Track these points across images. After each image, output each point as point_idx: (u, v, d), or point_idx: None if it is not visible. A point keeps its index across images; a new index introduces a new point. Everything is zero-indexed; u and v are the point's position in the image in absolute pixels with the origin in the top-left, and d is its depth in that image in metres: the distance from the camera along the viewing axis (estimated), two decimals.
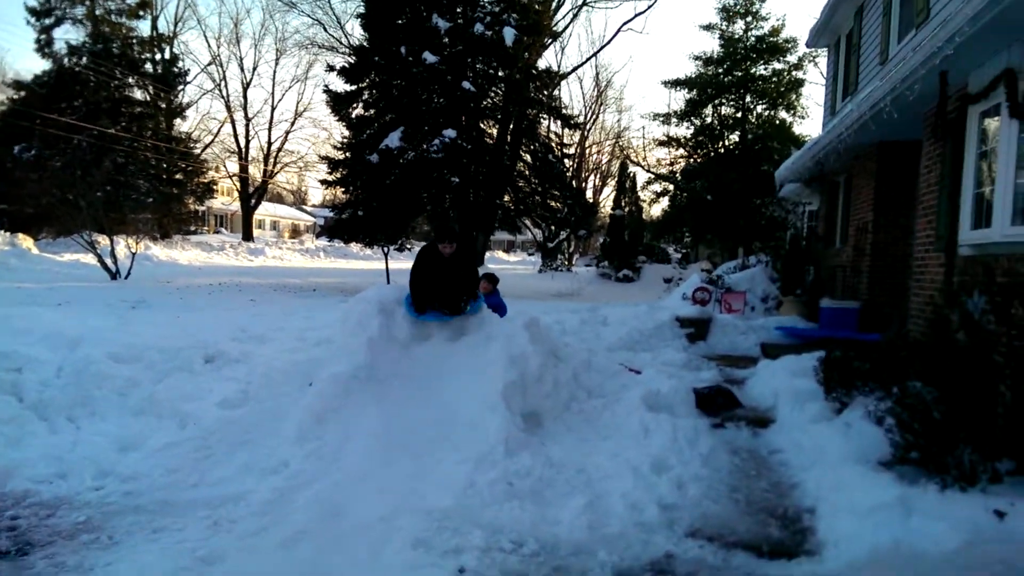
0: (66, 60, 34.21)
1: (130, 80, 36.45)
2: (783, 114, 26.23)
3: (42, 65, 41.02)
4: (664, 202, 31.17)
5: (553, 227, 27.79)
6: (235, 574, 3.18)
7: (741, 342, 8.94)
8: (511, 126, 22.33)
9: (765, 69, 26.07)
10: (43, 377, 5.34)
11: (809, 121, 39.84)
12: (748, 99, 26.13)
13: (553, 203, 22.66)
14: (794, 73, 25.94)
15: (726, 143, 26.72)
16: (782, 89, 25.83)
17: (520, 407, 5.12)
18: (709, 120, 27.00)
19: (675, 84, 27.36)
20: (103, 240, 19.58)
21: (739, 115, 26.32)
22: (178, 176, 37.44)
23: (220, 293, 15.99)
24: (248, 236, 44.99)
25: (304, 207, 72.65)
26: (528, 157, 22.91)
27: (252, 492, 3.96)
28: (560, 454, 4.69)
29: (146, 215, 26.70)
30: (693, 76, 27.03)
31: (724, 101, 26.50)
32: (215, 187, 42.41)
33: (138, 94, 37.57)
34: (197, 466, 4.38)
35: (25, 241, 24.15)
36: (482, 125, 21.85)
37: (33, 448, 4.53)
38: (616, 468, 4.45)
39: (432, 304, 5.91)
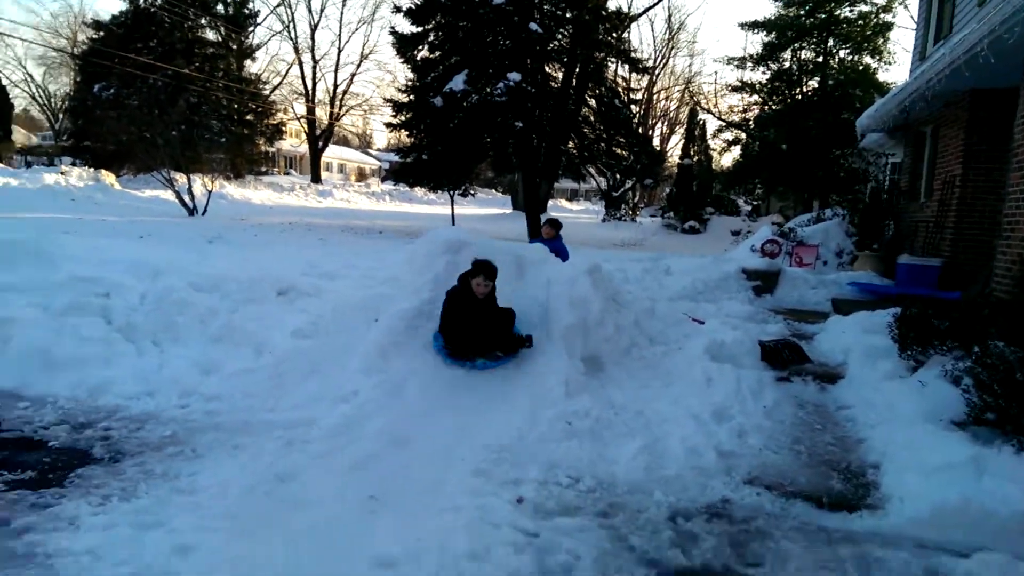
0: (142, 1, 35.00)
1: (202, 21, 37.09)
2: (868, 59, 24.60)
3: (119, 5, 42.21)
4: (735, 151, 29.98)
5: (618, 175, 27.29)
6: (308, 491, 3.36)
7: (811, 297, 8.69)
8: (577, 70, 21.76)
9: (851, 11, 24.41)
10: (129, 303, 5.66)
11: (896, 67, 37.49)
12: (831, 43, 24.62)
13: (618, 150, 22.20)
14: (882, 16, 24.20)
15: (804, 89, 25.37)
16: (868, 33, 24.19)
17: (580, 350, 5.16)
18: (787, 65, 25.63)
19: (752, 26, 26.01)
20: (180, 178, 20.33)
21: (820, 60, 24.87)
22: (248, 117, 38.28)
23: (291, 232, 16.46)
24: (316, 178, 45.88)
25: (369, 151, 73.36)
26: (593, 102, 22.38)
27: (323, 417, 4.15)
28: (620, 397, 4.72)
29: (219, 155, 27.50)
30: (772, 18, 25.59)
31: (804, 45, 25.03)
32: (284, 129, 43.18)
33: (210, 35, 38.30)
34: (272, 391, 4.61)
35: (108, 177, 25.30)
36: (547, 68, 21.39)
37: (122, 367, 4.84)
38: (676, 414, 4.45)
39: (474, 352, 4.97)
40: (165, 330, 5.38)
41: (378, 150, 73.60)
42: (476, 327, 4.93)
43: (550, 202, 33.66)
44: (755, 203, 33.41)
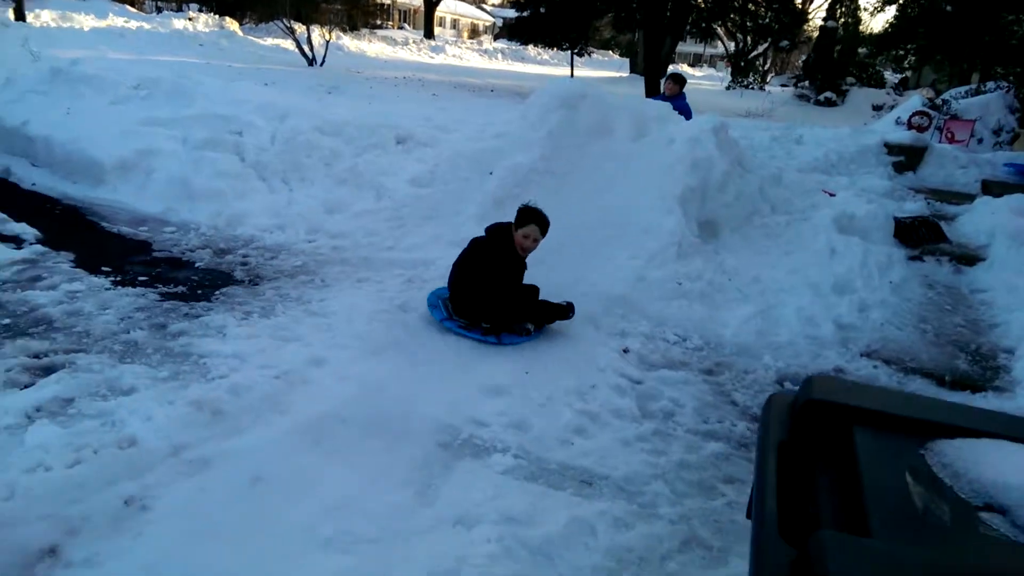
0: None
1: None
2: None
3: None
4: (890, 12, 26.49)
5: (750, 37, 24.97)
6: (427, 323, 3.57)
7: (959, 177, 7.91)
8: None
9: None
10: (259, 142, 5.92)
11: None
12: None
13: (753, 7, 20.17)
14: None
15: None
16: None
17: (697, 214, 5.00)
18: None
19: None
20: (300, 27, 20.47)
21: None
22: None
23: (405, 86, 16.42)
24: (429, 33, 44.91)
25: (484, 6, 70.63)
26: None
27: (439, 259, 4.30)
28: (735, 263, 4.60)
29: (336, 6, 27.25)
30: None
31: None
32: None
33: None
34: (392, 232, 4.81)
35: (232, 24, 25.82)
36: None
37: (256, 202, 5.16)
38: (793, 284, 4.31)
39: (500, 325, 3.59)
40: (293, 169, 5.64)
41: (492, 5, 70.81)
42: (507, 293, 3.61)
43: (671, 66, 31.48)
44: (904, 74, 29.90)
